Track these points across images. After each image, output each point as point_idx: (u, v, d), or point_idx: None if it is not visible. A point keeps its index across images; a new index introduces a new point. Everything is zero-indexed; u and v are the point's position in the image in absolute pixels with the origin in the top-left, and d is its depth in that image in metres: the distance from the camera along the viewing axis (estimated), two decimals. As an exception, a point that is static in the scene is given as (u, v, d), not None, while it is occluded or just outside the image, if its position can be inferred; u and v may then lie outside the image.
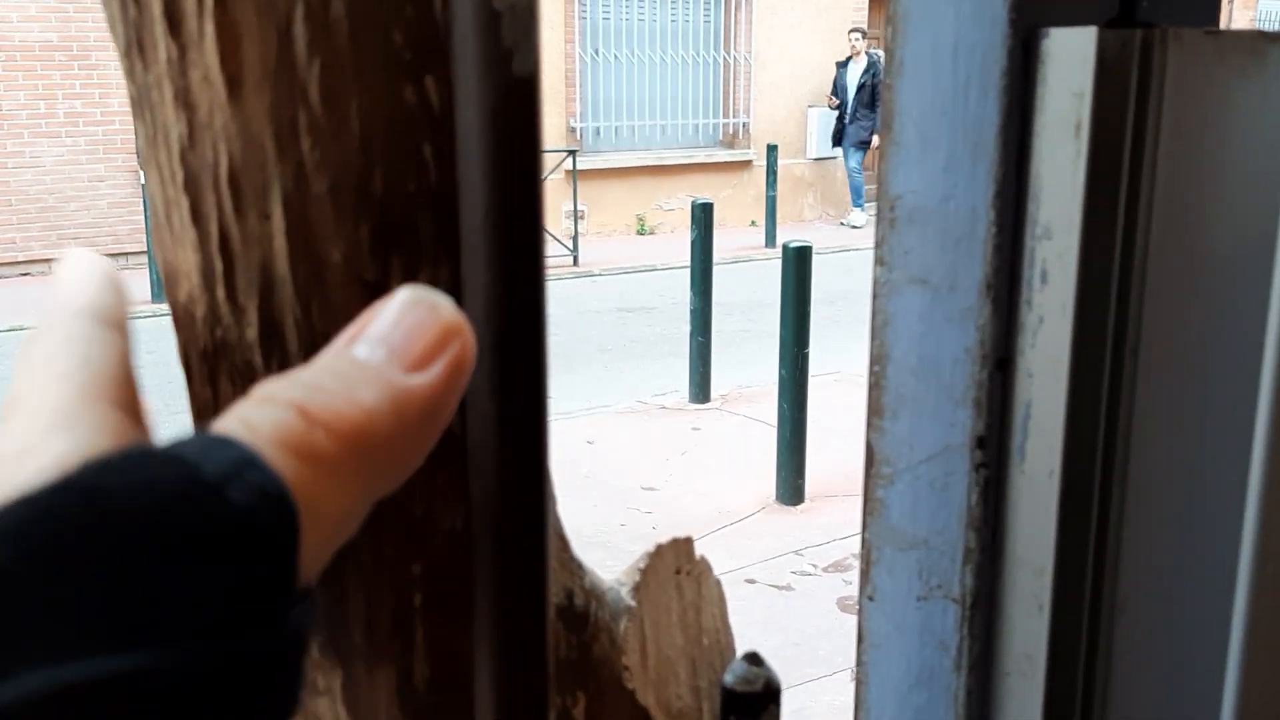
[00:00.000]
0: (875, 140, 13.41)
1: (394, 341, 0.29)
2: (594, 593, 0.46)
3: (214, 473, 0.24)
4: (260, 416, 0.26)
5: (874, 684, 0.54)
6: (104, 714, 0.21)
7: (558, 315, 8.83)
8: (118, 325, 0.32)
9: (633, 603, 0.48)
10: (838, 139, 13.60)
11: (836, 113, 13.57)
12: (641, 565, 0.49)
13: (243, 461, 0.24)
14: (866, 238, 12.22)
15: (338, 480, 0.26)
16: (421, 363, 0.29)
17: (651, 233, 13.52)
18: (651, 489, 5.50)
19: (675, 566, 0.50)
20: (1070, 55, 0.40)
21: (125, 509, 0.22)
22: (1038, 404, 0.44)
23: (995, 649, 0.49)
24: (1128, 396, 0.44)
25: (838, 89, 13.51)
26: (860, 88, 13.18)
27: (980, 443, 0.47)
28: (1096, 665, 0.48)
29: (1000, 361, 0.45)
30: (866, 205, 13.72)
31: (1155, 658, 0.48)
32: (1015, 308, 0.44)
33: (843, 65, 13.39)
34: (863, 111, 13.22)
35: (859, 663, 0.55)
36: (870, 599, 0.53)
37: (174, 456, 0.24)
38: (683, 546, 0.50)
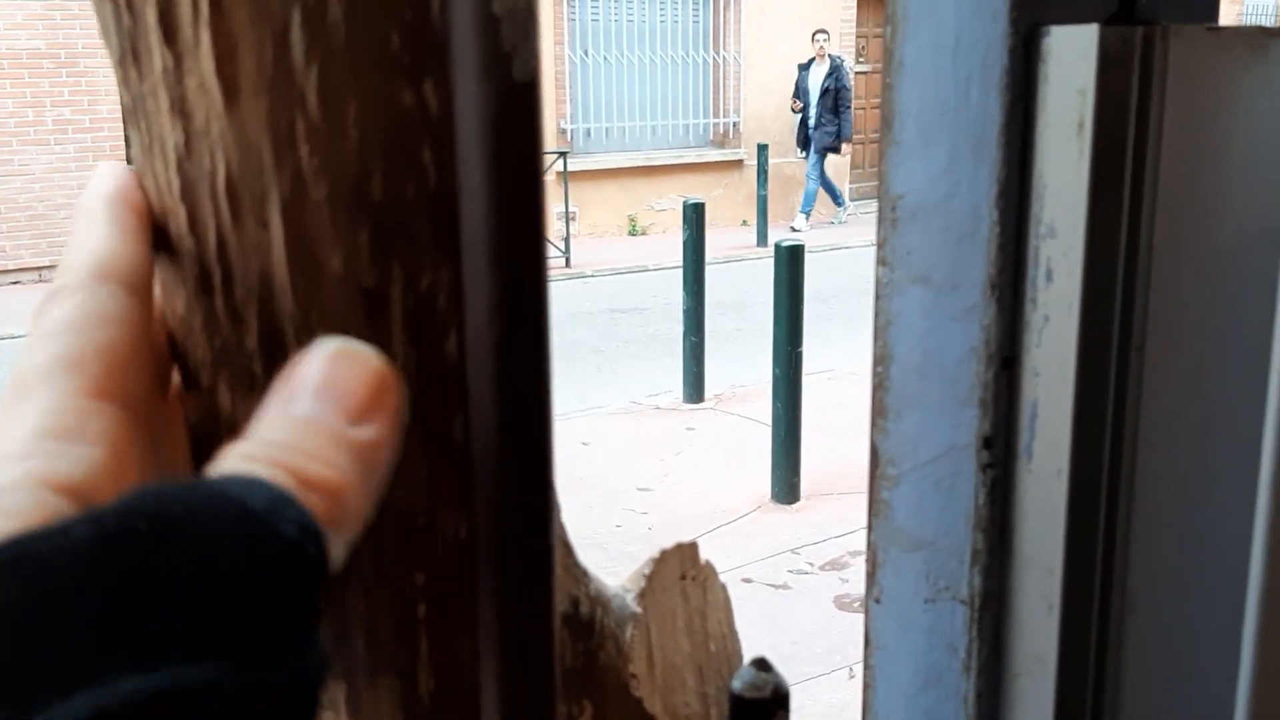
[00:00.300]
0: (845, 148, 13.18)
1: (336, 396, 0.30)
2: (599, 600, 0.46)
3: (259, 508, 0.26)
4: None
5: (881, 687, 0.53)
6: (189, 716, 0.23)
7: (550, 317, 8.79)
8: (139, 288, 0.33)
9: (638, 609, 0.47)
10: (804, 143, 13.23)
11: (800, 116, 13.21)
12: (646, 571, 0.49)
13: (281, 499, 0.26)
14: (857, 235, 12.21)
15: (330, 531, 0.28)
16: (366, 414, 0.30)
17: (643, 233, 13.53)
18: (647, 490, 5.49)
19: (680, 572, 0.50)
20: (1072, 53, 0.40)
21: (193, 536, 0.24)
22: (1044, 403, 0.44)
23: (1004, 650, 0.49)
24: (1134, 394, 0.44)
25: (800, 92, 13.16)
26: (824, 92, 12.83)
27: (987, 443, 0.46)
28: (1107, 665, 0.48)
29: (1005, 360, 0.45)
30: (847, 208, 13.51)
31: (1166, 657, 0.48)
32: (1020, 306, 0.44)
33: (805, 68, 13.03)
34: (826, 116, 12.86)
35: (866, 665, 0.54)
36: (877, 601, 0.53)
37: (221, 490, 0.26)
38: (687, 552, 0.50)
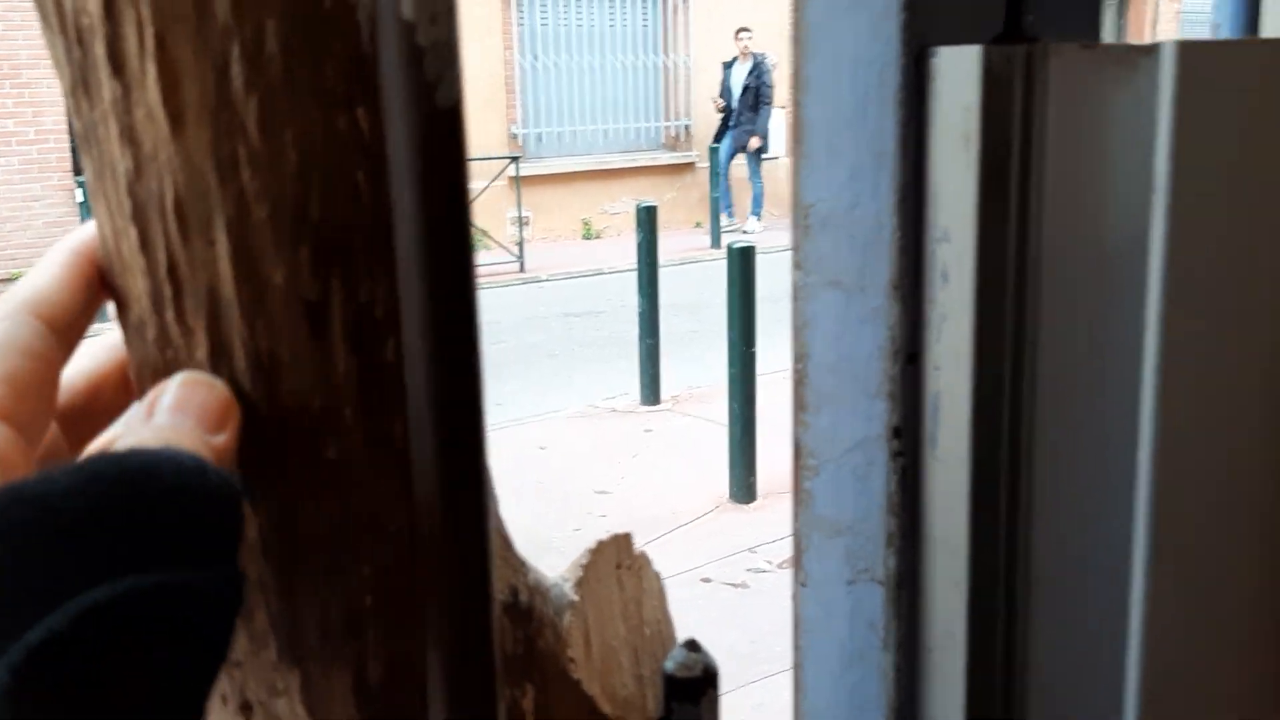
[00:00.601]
0: (753, 143, 12.80)
1: (193, 412, 0.36)
2: (537, 589, 0.49)
3: (190, 464, 0.32)
4: None
5: (809, 666, 0.57)
6: (168, 607, 0.30)
7: (505, 321, 8.81)
8: (63, 328, 0.37)
9: (575, 597, 0.50)
10: (718, 139, 12.99)
11: (723, 115, 12.98)
12: (583, 561, 0.51)
13: (200, 460, 0.33)
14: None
15: None
16: (218, 426, 0.36)
17: (597, 237, 13.53)
18: (605, 492, 5.51)
19: (616, 561, 0.52)
20: (958, 71, 0.43)
21: (149, 480, 0.31)
22: (945, 395, 0.47)
23: (919, 627, 0.52)
24: (1029, 385, 0.47)
25: (723, 90, 12.94)
26: (745, 89, 12.67)
27: (896, 433, 0.50)
28: (1015, 637, 0.51)
29: (910, 356, 0.48)
30: (734, 221, 13.05)
31: (1069, 628, 0.51)
32: (921, 306, 0.47)
33: (729, 66, 12.85)
34: (746, 114, 12.72)
35: (795, 647, 0.58)
36: (803, 585, 0.56)
37: (156, 452, 0.32)
38: (623, 542, 0.53)
